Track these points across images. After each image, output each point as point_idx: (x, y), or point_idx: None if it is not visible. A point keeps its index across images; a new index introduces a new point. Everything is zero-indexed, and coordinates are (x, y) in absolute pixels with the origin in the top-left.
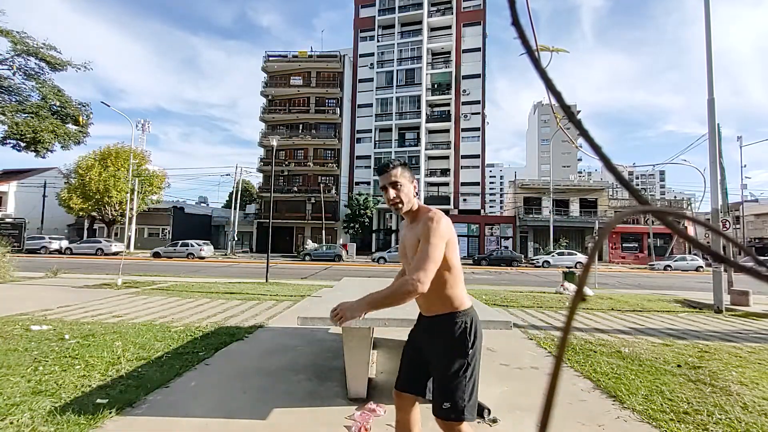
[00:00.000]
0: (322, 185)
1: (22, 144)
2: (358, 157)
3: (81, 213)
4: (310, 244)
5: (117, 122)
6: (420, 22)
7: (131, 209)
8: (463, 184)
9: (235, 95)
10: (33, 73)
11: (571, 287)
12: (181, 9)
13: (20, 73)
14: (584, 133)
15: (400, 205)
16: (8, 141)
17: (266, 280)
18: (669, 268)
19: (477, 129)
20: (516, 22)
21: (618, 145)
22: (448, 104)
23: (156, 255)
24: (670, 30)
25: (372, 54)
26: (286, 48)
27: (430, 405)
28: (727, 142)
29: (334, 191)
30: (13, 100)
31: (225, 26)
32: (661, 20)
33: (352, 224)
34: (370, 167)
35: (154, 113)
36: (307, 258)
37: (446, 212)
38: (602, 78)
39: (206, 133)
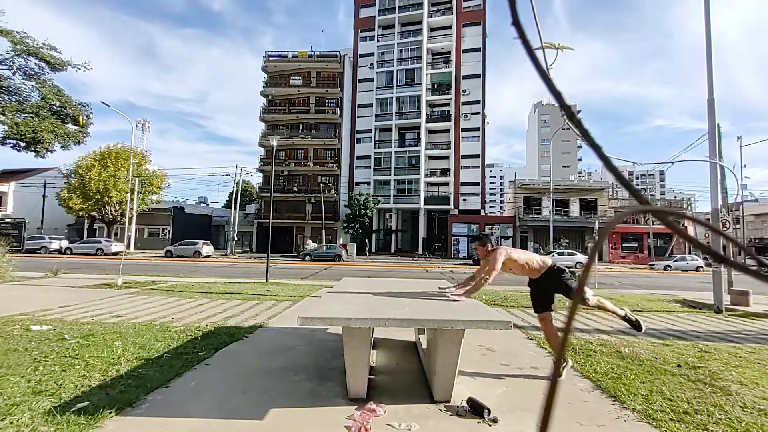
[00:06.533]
0: (322, 185)
1: (22, 144)
2: (358, 157)
3: (81, 213)
4: (310, 244)
5: (112, 120)
6: (420, 22)
7: (131, 209)
8: (463, 184)
9: (233, 95)
10: (33, 73)
11: None
12: (172, 5)
13: (20, 73)
14: (584, 133)
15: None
16: (8, 141)
17: (266, 280)
18: (669, 268)
19: (477, 129)
20: (516, 22)
21: (605, 142)
22: (448, 104)
23: (67, 251)
24: (650, 13)
25: (372, 54)
26: (278, 48)
27: None
28: (723, 137)
29: (334, 191)
30: (13, 100)
31: (214, 20)
32: (639, 2)
33: (352, 224)
34: (370, 167)
35: (124, 108)
36: (307, 258)
37: (446, 212)
38: (581, 68)
39: (182, 129)
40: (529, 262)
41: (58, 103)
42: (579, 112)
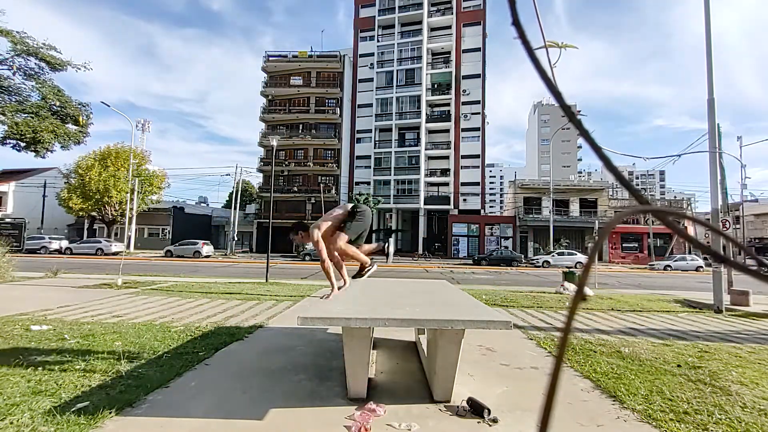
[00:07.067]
0: (322, 185)
1: (22, 144)
2: (358, 157)
3: (81, 213)
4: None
5: (112, 120)
6: (420, 22)
7: (131, 209)
8: (463, 184)
9: (233, 95)
10: (33, 73)
11: (571, 287)
12: (172, 5)
13: (20, 73)
14: (584, 133)
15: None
16: (8, 141)
17: (266, 280)
18: (669, 268)
19: (477, 129)
20: (516, 22)
21: (605, 142)
22: (448, 104)
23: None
24: (650, 13)
25: (372, 54)
26: (278, 48)
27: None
28: (723, 137)
29: (334, 191)
30: (13, 100)
31: (214, 20)
32: (639, 2)
33: None
34: (370, 167)
35: (124, 108)
36: (307, 258)
37: (446, 212)
38: (581, 68)
39: (182, 129)
40: (332, 220)
41: (58, 103)
42: (579, 111)
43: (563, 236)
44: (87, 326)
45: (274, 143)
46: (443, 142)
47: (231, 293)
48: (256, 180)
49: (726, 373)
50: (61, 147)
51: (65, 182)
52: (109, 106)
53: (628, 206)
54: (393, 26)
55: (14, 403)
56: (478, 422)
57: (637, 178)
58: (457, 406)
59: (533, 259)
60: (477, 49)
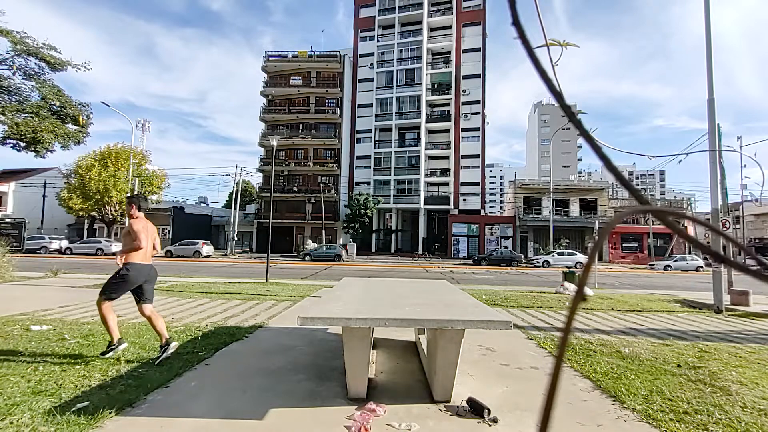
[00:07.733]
0: (322, 185)
1: (22, 144)
2: (358, 157)
3: (81, 213)
4: (310, 244)
5: (112, 120)
6: (420, 22)
7: None
8: (463, 184)
9: (233, 95)
10: (33, 73)
11: (571, 287)
12: (172, 4)
13: (20, 73)
14: (584, 133)
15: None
16: (8, 141)
17: (266, 280)
18: (669, 268)
19: (477, 129)
20: (516, 22)
21: (605, 142)
22: (448, 104)
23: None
24: (650, 13)
25: (372, 54)
26: (278, 48)
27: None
28: (724, 137)
29: (334, 191)
30: (13, 100)
31: (214, 20)
32: (639, 2)
33: (352, 224)
34: (370, 167)
35: (124, 108)
36: (307, 258)
37: (446, 212)
38: (581, 68)
39: (182, 129)
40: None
41: (58, 103)
42: (579, 112)
43: (563, 236)
44: (87, 326)
45: (274, 143)
46: (443, 142)
47: (231, 293)
48: (256, 180)
49: (726, 373)
50: (61, 147)
51: (65, 182)
52: (109, 106)
53: (628, 206)
54: (393, 26)
55: (14, 403)
56: (478, 422)
57: (637, 178)
58: (457, 406)
59: (533, 259)
60: (477, 49)
